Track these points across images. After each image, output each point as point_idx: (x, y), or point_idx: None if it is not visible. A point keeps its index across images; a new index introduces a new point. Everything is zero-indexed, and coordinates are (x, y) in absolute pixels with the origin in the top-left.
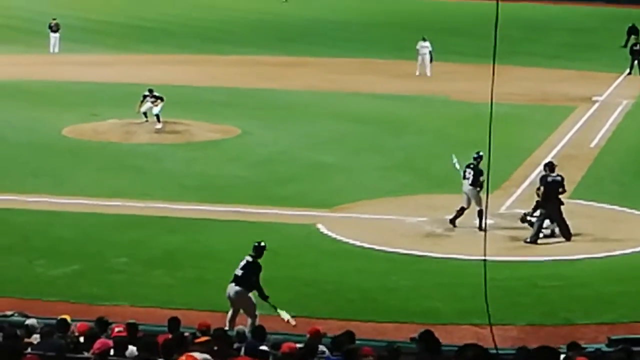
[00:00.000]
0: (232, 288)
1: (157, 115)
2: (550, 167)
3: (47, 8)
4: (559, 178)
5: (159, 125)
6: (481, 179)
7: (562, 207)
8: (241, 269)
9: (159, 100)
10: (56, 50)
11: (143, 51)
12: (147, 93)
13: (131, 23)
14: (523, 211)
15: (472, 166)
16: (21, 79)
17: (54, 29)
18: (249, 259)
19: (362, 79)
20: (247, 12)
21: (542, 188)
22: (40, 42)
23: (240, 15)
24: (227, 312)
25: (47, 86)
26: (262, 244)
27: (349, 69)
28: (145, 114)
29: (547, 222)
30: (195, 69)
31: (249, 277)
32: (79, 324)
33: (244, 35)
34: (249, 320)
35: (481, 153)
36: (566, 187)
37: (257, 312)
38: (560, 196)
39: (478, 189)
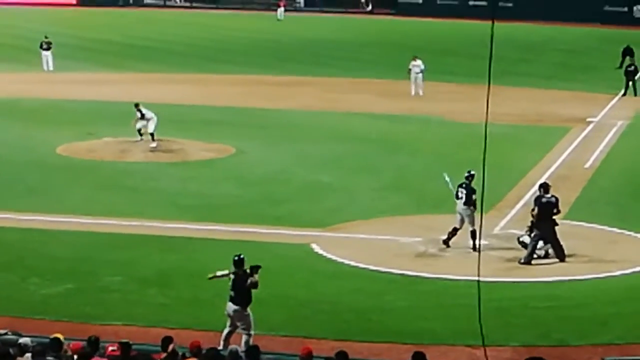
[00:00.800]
0: (231, 306)
1: (152, 134)
2: (544, 188)
3: (42, 26)
4: (553, 199)
5: (153, 144)
6: (474, 197)
7: (556, 227)
8: (232, 289)
9: (146, 117)
10: (50, 68)
11: (139, 70)
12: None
13: (128, 42)
14: (517, 232)
15: (464, 185)
16: (16, 97)
17: (46, 47)
18: (233, 276)
19: (358, 99)
20: (243, 31)
21: (536, 209)
22: (35, 60)
23: (237, 35)
24: (221, 332)
25: (42, 104)
26: (240, 256)
27: (345, 88)
28: (139, 131)
29: (540, 243)
30: (191, 88)
31: (243, 293)
32: (72, 343)
33: (240, 54)
34: (244, 339)
35: (473, 172)
36: (560, 208)
37: (252, 332)
38: (555, 217)
39: (472, 208)
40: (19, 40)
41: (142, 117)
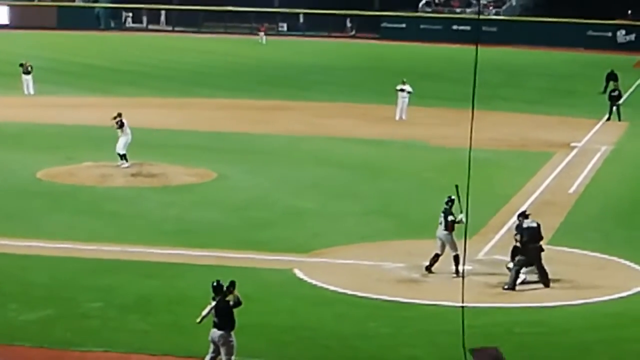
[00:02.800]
0: (216, 332)
1: (121, 155)
2: (524, 216)
3: (23, 50)
4: (534, 224)
5: (125, 165)
6: (449, 218)
7: (542, 253)
8: (215, 315)
9: (124, 131)
10: (31, 92)
11: (120, 94)
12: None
13: (109, 66)
14: (502, 258)
15: (444, 210)
16: None
17: (26, 70)
18: (213, 302)
19: (341, 123)
20: (226, 56)
21: (519, 235)
22: (15, 84)
23: (220, 59)
24: (202, 358)
25: (22, 128)
26: (219, 282)
27: (328, 113)
28: (121, 156)
29: (524, 269)
30: (173, 112)
31: (226, 318)
32: None
33: (223, 78)
34: None
35: (453, 197)
36: (543, 234)
37: (234, 358)
38: (540, 242)
39: (452, 232)
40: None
41: (121, 126)
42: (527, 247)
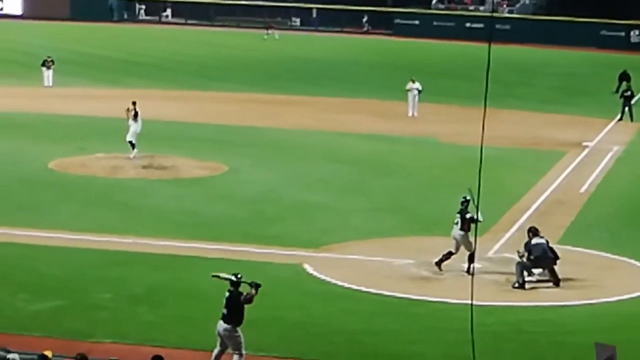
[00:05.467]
0: (222, 325)
1: (131, 142)
2: (533, 231)
3: (36, 40)
4: (543, 241)
5: (131, 154)
6: (468, 216)
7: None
8: (225, 306)
9: (137, 120)
10: (50, 84)
11: (132, 86)
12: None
13: (122, 57)
14: (512, 256)
15: (460, 211)
16: (11, 111)
17: (48, 65)
18: (227, 294)
19: (351, 119)
20: (238, 49)
21: (525, 254)
22: (34, 74)
23: (232, 52)
24: (211, 351)
25: (37, 119)
26: (239, 275)
27: (340, 108)
28: (132, 144)
29: (539, 270)
30: (185, 105)
31: (235, 312)
32: None
33: (235, 72)
34: (235, 358)
35: (468, 197)
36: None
37: (244, 351)
38: (552, 256)
39: (468, 232)
40: (17, 55)
41: (135, 116)
42: (541, 260)
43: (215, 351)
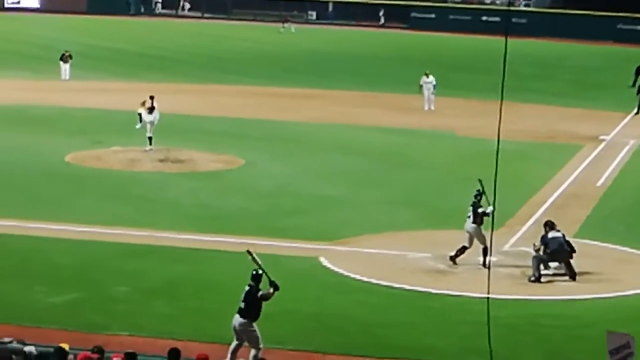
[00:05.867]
0: (237, 319)
1: (149, 138)
2: (550, 225)
3: (59, 35)
4: (560, 234)
5: (147, 148)
6: (479, 210)
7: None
8: (243, 300)
9: (153, 114)
10: (67, 77)
11: (149, 79)
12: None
13: (138, 51)
14: (528, 250)
15: (473, 204)
16: (28, 104)
17: (66, 59)
18: (247, 288)
19: (367, 112)
20: (254, 43)
21: (542, 248)
22: (51, 68)
23: (248, 46)
24: (228, 344)
25: (54, 112)
26: (259, 271)
27: (354, 101)
28: (149, 139)
29: (555, 263)
30: (201, 99)
31: (252, 307)
32: (80, 353)
33: (251, 65)
34: (252, 352)
35: (481, 190)
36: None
37: (261, 345)
38: (569, 250)
39: (480, 225)
40: (35, 48)
41: (151, 110)
42: (557, 254)
43: (233, 345)
